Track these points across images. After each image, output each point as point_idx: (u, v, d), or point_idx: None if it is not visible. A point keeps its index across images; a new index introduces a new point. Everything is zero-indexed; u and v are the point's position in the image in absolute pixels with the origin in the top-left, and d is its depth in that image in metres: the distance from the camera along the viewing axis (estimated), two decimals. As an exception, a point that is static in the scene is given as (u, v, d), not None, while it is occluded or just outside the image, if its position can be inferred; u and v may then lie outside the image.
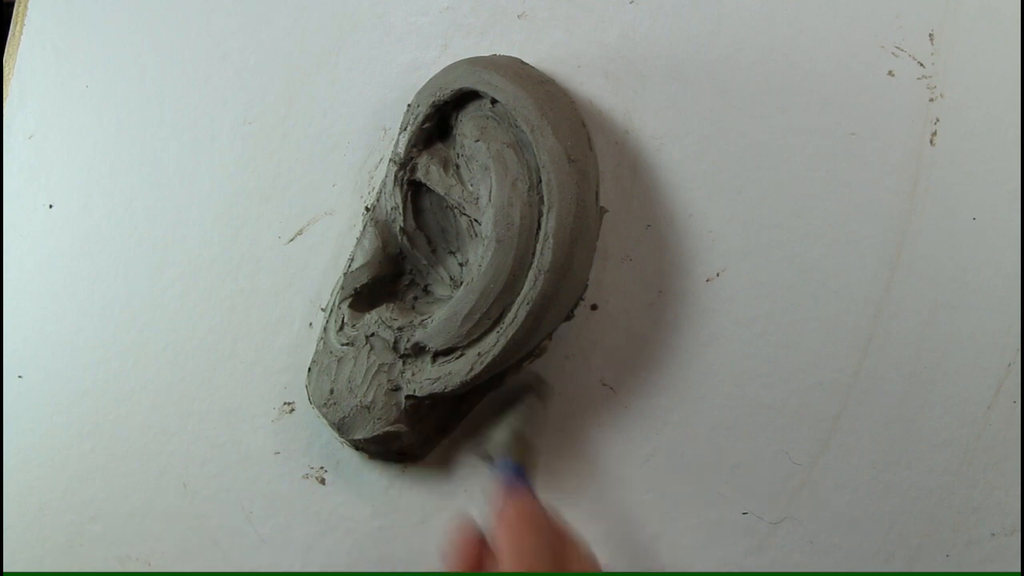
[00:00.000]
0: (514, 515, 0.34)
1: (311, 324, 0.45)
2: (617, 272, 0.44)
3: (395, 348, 0.42)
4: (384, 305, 0.43)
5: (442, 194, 0.42)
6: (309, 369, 0.44)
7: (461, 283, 0.41)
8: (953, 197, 0.43)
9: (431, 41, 0.45)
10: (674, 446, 0.43)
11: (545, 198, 0.39)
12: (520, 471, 0.38)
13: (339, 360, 0.43)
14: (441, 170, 0.42)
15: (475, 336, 0.40)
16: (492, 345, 0.40)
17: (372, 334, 0.42)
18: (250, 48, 0.47)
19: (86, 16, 0.48)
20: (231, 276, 0.46)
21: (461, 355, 0.40)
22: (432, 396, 0.41)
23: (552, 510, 0.35)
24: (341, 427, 0.42)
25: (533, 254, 0.39)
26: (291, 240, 0.46)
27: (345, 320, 0.43)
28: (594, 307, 0.44)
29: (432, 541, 0.44)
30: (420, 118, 0.42)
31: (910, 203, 0.43)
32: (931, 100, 0.43)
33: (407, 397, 0.41)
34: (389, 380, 0.42)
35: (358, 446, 0.44)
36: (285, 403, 0.45)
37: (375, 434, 0.41)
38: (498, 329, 0.40)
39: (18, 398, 0.47)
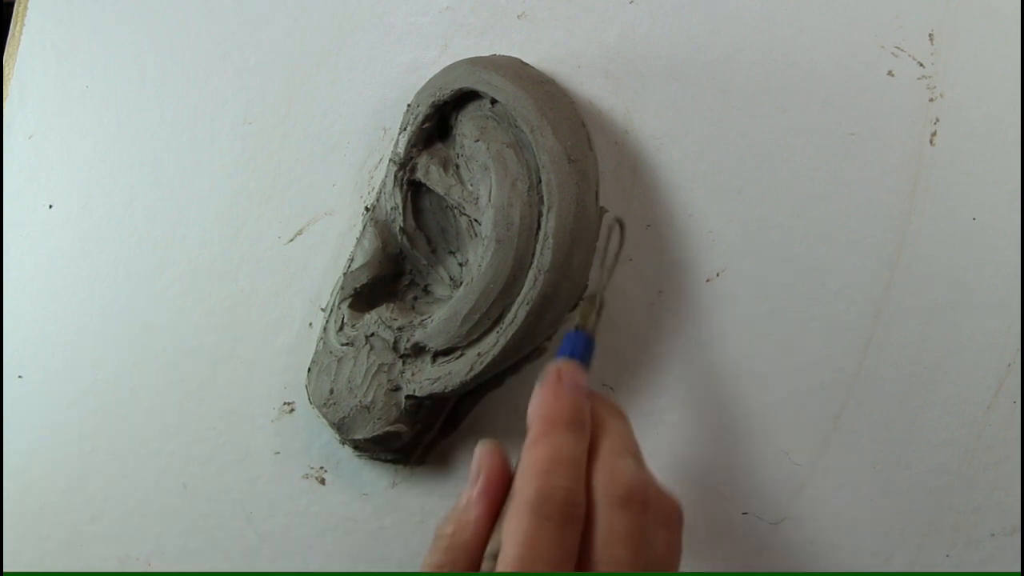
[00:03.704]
0: (552, 375, 0.29)
1: (311, 324, 0.45)
2: (617, 272, 0.44)
3: (395, 348, 0.42)
4: (384, 305, 0.43)
5: (442, 194, 0.42)
6: (309, 369, 0.44)
7: (461, 283, 0.41)
8: (953, 197, 0.43)
9: (431, 41, 0.45)
10: (674, 446, 0.43)
11: (545, 198, 0.39)
12: (580, 341, 0.34)
13: (339, 360, 0.43)
14: (441, 170, 0.42)
15: (475, 336, 0.40)
16: (492, 345, 0.40)
17: (372, 334, 0.42)
18: (250, 48, 0.47)
19: (86, 16, 0.48)
20: (231, 276, 0.46)
21: (461, 355, 0.40)
22: (432, 396, 0.41)
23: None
24: (341, 427, 0.42)
25: (533, 254, 0.39)
26: (291, 240, 0.46)
27: (345, 320, 0.43)
28: (594, 307, 0.44)
29: (432, 541, 0.44)
30: (420, 118, 0.42)
31: (910, 203, 0.43)
32: (931, 100, 0.43)
33: (407, 397, 0.41)
34: (389, 380, 0.42)
35: (358, 446, 0.44)
36: (285, 403, 0.45)
37: (375, 434, 0.41)
38: (498, 329, 0.40)
39: (18, 398, 0.47)
